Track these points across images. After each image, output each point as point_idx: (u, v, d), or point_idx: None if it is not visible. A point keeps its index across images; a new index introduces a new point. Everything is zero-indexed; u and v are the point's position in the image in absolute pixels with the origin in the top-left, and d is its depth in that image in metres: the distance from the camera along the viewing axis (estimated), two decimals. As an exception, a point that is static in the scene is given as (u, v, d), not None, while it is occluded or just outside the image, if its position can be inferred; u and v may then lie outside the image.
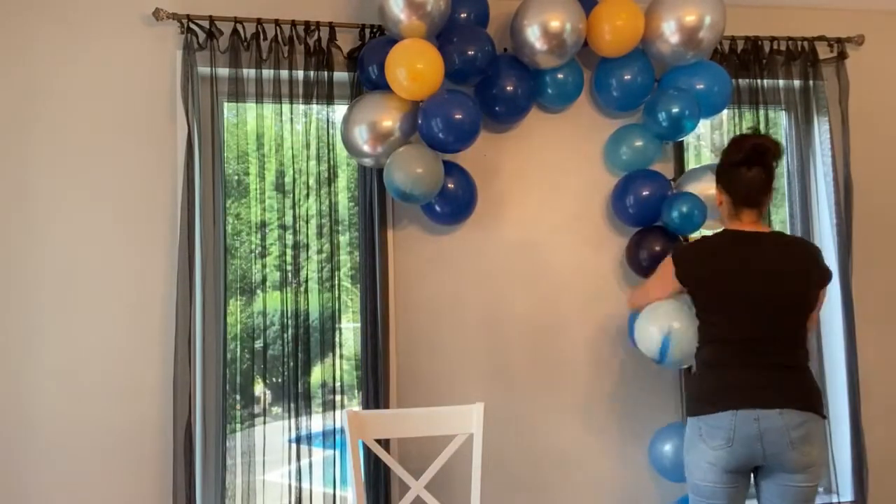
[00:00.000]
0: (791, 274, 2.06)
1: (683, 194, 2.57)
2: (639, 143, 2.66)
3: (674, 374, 2.73)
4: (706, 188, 2.55)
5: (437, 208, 2.54)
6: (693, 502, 2.09)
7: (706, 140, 3.05)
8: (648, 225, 2.67)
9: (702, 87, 2.59)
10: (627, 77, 2.63)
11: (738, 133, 2.82)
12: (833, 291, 2.88)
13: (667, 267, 2.20)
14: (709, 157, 3.02)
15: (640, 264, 2.63)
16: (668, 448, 2.55)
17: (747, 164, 2.06)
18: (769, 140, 2.08)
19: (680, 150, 2.85)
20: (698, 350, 2.16)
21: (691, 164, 2.89)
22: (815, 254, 2.13)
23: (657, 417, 2.69)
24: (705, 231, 2.71)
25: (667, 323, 2.22)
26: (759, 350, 2.03)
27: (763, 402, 1.96)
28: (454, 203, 2.54)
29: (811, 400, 2.01)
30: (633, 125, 2.73)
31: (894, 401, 2.94)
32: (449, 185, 2.51)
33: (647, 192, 2.61)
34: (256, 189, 2.54)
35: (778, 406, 1.96)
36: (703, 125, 3.00)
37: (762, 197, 2.10)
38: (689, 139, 2.90)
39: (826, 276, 2.11)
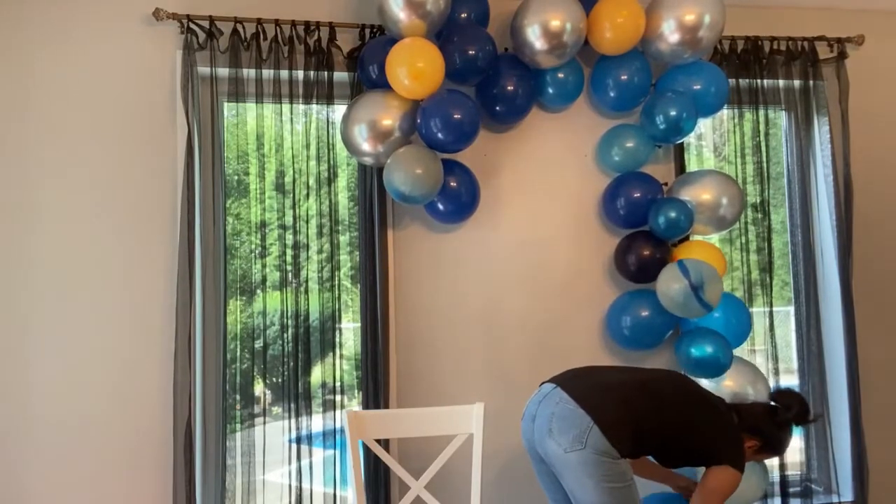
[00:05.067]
0: None
1: (670, 200, 2.57)
2: (630, 144, 2.66)
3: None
4: (700, 192, 2.56)
5: (441, 206, 2.54)
6: None
7: (707, 141, 3.04)
8: (638, 227, 2.68)
9: (699, 87, 2.59)
10: (624, 77, 2.63)
11: (737, 133, 2.82)
12: (833, 291, 2.89)
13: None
14: (710, 158, 3.02)
15: (628, 268, 2.64)
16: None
17: None
18: None
19: (681, 151, 2.85)
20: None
21: (692, 165, 2.89)
22: None
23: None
24: (697, 236, 2.72)
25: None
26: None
27: None
28: (457, 201, 2.54)
29: None
30: (626, 125, 2.72)
31: (894, 401, 2.94)
32: (452, 184, 2.51)
33: (637, 195, 2.61)
34: (256, 189, 2.54)
35: None
36: (704, 126, 3.01)
37: None
38: (690, 140, 2.91)
39: None
